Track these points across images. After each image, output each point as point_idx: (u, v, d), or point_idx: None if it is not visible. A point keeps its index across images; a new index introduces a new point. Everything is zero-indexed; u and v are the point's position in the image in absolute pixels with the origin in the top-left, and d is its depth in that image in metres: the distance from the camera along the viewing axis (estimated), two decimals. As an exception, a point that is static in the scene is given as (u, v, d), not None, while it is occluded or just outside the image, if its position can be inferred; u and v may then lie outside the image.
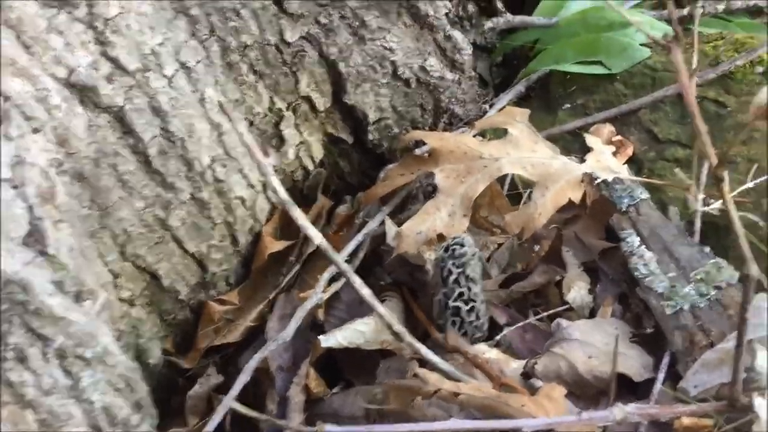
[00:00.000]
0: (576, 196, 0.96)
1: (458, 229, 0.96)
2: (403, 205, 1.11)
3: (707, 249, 0.89)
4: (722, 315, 0.83)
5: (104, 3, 0.77)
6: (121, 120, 0.83)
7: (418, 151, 1.09)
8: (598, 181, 0.97)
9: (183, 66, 0.88)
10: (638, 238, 0.92)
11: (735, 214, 0.62)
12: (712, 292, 0.84)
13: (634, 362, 0.85)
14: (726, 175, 0.62)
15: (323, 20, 0.98)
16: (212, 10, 0.90)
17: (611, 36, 1.21)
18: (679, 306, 0.84)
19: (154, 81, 0.85)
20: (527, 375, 0.88)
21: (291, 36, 0.97)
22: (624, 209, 0.95)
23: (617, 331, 0.87)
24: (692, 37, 1.11)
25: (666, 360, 0.84)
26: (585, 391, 0.84)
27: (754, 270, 0.66)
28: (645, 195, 0.96)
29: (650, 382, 0.84)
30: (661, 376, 0.83)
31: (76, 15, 0.76)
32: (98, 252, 0.88)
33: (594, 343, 0.85)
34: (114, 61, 0.80)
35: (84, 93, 0.79)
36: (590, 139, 0.99)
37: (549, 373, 0.85)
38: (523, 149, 0.99)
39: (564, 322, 0.89)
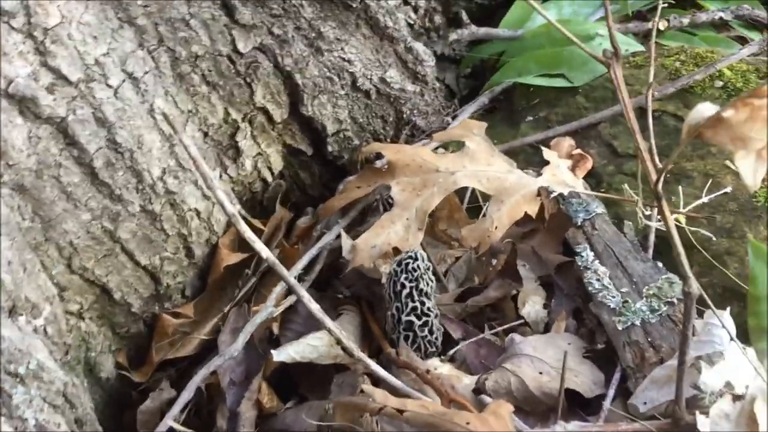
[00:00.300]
0: (532, 210, 0.95)
1: (413, 243, 0.95)
2: (363, 218, 1.10)
3: (660, 264, 0.88)
4: (673, 331, 0.82)
5: (43, 12, 0.76)
6: (63, 131, 0.82)
7: (378, 164, 1.09)
8: (554, 194, 0.96)
9: (130, 76, 0.87)
10: (592, 253, 0.91)
11: (673, 231, 0.61)
12: (664, 308, 0.83)
13: (584, 378, 0.84)
14: (661, 190, 0.60)
15: (277, 31, 0.97)
16: (160, 20, 0.88)
17: (574, 49, 1.21)
18: (630, 321, 0.83)
19: (99, 91, 0.83)
20: (479, 391, 0.86)
21: (244, 47, 0.96)
22: (579, 224, 0.94)
23: (570, 346, 0.86)
24: (655, 51, 1.12)
25: (617, 376, 0.83)
26: (535, 408, 0.83)
27: (694, 287, 0.65)
28: (600, 210, 0.95)
29: (602, 398, 0.82)
30: (611, 392, 0.82)
31: (13, 24, 0.74)
32: (42, 265, 0.86)
33: (545, 359, 0.84)
34: (55, 72, 0.79)
35: (23, 104, 0.77)
36: (547, 153, 0.99)
37: (499, 390, 0.84)
38: (480, 163, 0.98)
39: (517, 338, 0.88)
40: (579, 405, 0.84)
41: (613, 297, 0.85)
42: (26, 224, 0.82)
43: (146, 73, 0.88)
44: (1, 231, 0.76)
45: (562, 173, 0.95)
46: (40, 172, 0.81)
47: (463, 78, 1.40)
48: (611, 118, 1.10)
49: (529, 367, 0.84)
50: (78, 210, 0.87)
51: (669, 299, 0.84)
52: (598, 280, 0.87)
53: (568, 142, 1.10)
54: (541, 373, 0.83)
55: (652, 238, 0.92)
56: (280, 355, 0.91)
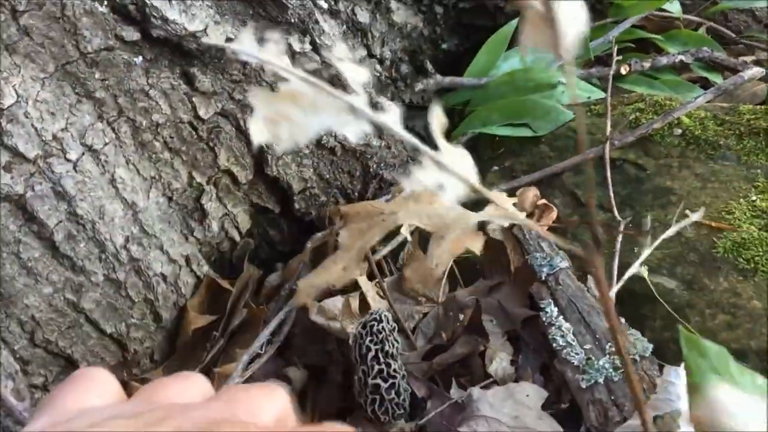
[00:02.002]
0: (475, 246, 0.95)
1: (348, 279, 0.95)
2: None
3: (623, 320, 0.88)
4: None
5: (-2, 94, 0.77)
6: (22, 207, 0.82)
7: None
8: (495, 230, 0.97)
9: (89, 149, 0.87)
10: (556, 309, 0.91)
11: (605, 290, 0.60)
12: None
13: None
14: (597, 251, 0.61)
15: (238, 96, 0.98)
16: (119, 92, 0.89)
17: (536, 99, 1.23)
18: (594, 379, 0.83)
19: (58, 166, 0.83)
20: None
21: (205, 113, 0.96)
22: (543, 278, 0.95)
23: (528, 398, 0.86)
24: (612, 99, 1.13)
25: (582, 436, 0.83)
26: None
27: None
28: (564, 264, 0.96)
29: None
30: (577, 454, 0.82)
31: (-34, 108, 0.75)
32: (4, 341, 0.86)
33: (501, 417, 0.84)
34: (12, 150, 0.79)
35: (-21, 183, 0.78)
36: (492, 194, 1.00)
37: None
38: (423, 203, 0.99)
39: (476, 393, 0.87)
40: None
41: (577, 354, 0.85)
42: (-15, 302, 0.82)
43: (106, 144, 0.89)
44: (-43, 313, 0.75)
45: (505, 208, 0.96)
46: (-1, 250, 0.81)
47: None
48: (574, 167, 1.12)
49: (485, 429, 0.83)
50: (39, 284, 0.86)
51: (632, 356, 0.84)
52: (562, 336, 0.87)
53: (533, 192, 1.11)
54: None
55: (613, 292, 0.93)
56: None
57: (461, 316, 1.02)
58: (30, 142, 0.80)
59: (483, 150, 1.24)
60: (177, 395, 0.52)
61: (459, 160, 0.45)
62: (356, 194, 1.19)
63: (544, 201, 1.10)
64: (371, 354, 0.90)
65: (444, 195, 0.45)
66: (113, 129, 0.90)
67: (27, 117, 0.80)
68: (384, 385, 0.90)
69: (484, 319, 0.98)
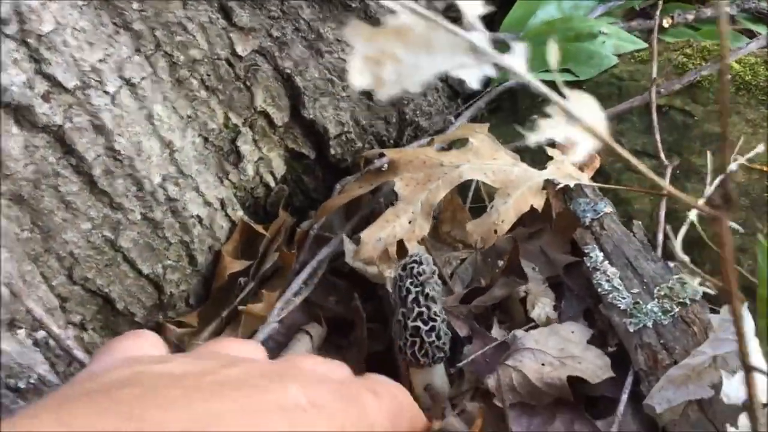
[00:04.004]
0: (538, 203, 0.94)
1: (419, 235, 0.94)
2: (366, 224, 1.09)
3: (671, 264, 0.86)
4: (686, 332, 0.80)
5: (37, 19, 0.75)
6: (61, 140, 0.80)
7: (377, 162, 1.07)
8: (560, 186, 0.95)
9: (127, 82, 0.85)
10: (601, 254, 0.89)
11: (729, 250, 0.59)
12: (676, 309, 0.81)
13: (589, 364, 0.81)
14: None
15: (276, 33, 0.96)
16: (157, 25, 0.87)
17: (579, 44, 1.19)
18: (642, 323, 0.81)
19: (96, 98, 0.82)
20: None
21: (242, 50, 0.94)
22: (587, 224, 0.92)
23: (573, 334, 0.84)
24: (658, 46, 1.10)
25: (629, 379, 0.81)
26: (540, 400, 0.81)
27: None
28: (609, 209, 0.93)
29: (612, 401, 0.80)
30: (624, 396, 0.80)
31: (6, 32, 0.73)
32: (42, 276, 0.85)
33: (547, 350, 0.82)
34: (50, 79, 0.77)
35: (19, 112, 0.76)
36: (550, 150, 0.97)
37: (501, 387, 0.82)
38: (484, 157, 0.97)
39: (519, 333, 0.86)
40: (588, 404, 0.82)
41: (624, 298, 0.83)
42: (25, 235, 0.81)
43: (144, 78, 0.87)
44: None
45: (566, 167, 0.93)
46: (38, 182, 0.80)
47: (466, 77, 1.38)
48: (617, 115, 1.08)
49: (531, 360, 0.82)
50: (78, 219, 0.85)
51: (681, 300, 0.81)
52: (607, 281, 0.85)
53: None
54: (543, 364, 0.81)
55: (660, 237, 0.90)
56: None
57: (500, 263, 1.00)
58: (68, 71, 0.79)
59: (522, 99, 1.21)
60: (239, 352, 0.52)
61: (587, 109, 0.38)
62: (392, 141, 1.17)
63: (586, 148, 1.07)
64: (411, 296, 0.89)
65: (576, 151, 0.38)
66: (150, 63, 0.88)
67: (66, 45, 0.78)
68: (424, 328, 0.89)
69: (524, 265, 0.96)
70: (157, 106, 0.89)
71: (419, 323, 0.89)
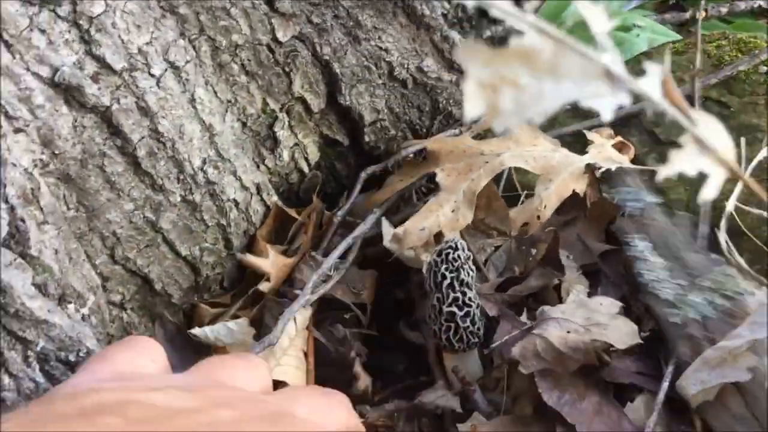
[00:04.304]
0: (580, 188, 0.94)
1: (462, 225, 0.95)
2: (396, 209, 1.10)
3: (717, 256, 0.86)
4: (731, 326, 0.79)
5: (88, 1, 0.76)
6: (108, 120, 0.82)
7: (410, 150, 1.08)
8: (602, 170, 0.95)
9: (172, 66, 0.86)
10: (644, 243, 0.89)
11: None
12: (721, 302, 0.81)
13: (615, 331, 0.81)
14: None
15: (316, 19, 0.97)
16: (201, 9, 0.88)
17: (612, 32, 1.19)
18: (687, 315, 0.81)
19: (142, 81, 0.83)
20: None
21: (283, 36, 0.95)
22: (629, 212, 0.93)
23: (602, 306, 0.84)
24: (695, 38, 1.09)
25: (670, 369, 0.81)
26: (567, 367, 0.81)
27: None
28: (652, 199, 0.94)
29: (638, 389, 0.81)
30: (665, 384, 0.80)
31: (59, 13, 0.74)
32: (86, 254, 0.87)
33: (573, 319, 0.82)
34: (99, 60, 0.79)
35: (69, 93, 0.78)
36: (590, 134, 0.98)
37: (527, 354, 0.82)
38: (524, 144, 0.98)
39: (547, 307, 0.86)
40: (616, 393, 0.83)
41: (667, 289, 0.83)
42: (71, 213, 0.83)
43: (187, 62, 0.88)
44: (48, 220, 0.76)
45: (607, 150, 0.94)
46: (85, 162, 0.82)
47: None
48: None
49: (556, 329, 0.82)
50: (121, 200, 0.87)
51: (728, 293, 0.82)
52: (650, 270, 0.85)
53: (606, 132, 1.09)
54: (568, 332, 0.81)
55: (703, 228, 0.90)
56: (198, 333, 0.94)
57: (533, 251, 1.00)
58: (117, 53, 0.80)
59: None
60: (236, 379, 0.48)
61: (717, 135, 0.35)
62: (424, 130, 1.18)
63: (620, 138, 1.07)
64: (447, 282, 0.89)
65: (707, 187, 0.33)
66: (194, 47, 0.89)
67: (114, 27, 0.79)
68: (459, 314, 0.90)
69: (560, 254, 0.97)
70: (199, 90, 0.91)
71: (454, 308, 0.90)
